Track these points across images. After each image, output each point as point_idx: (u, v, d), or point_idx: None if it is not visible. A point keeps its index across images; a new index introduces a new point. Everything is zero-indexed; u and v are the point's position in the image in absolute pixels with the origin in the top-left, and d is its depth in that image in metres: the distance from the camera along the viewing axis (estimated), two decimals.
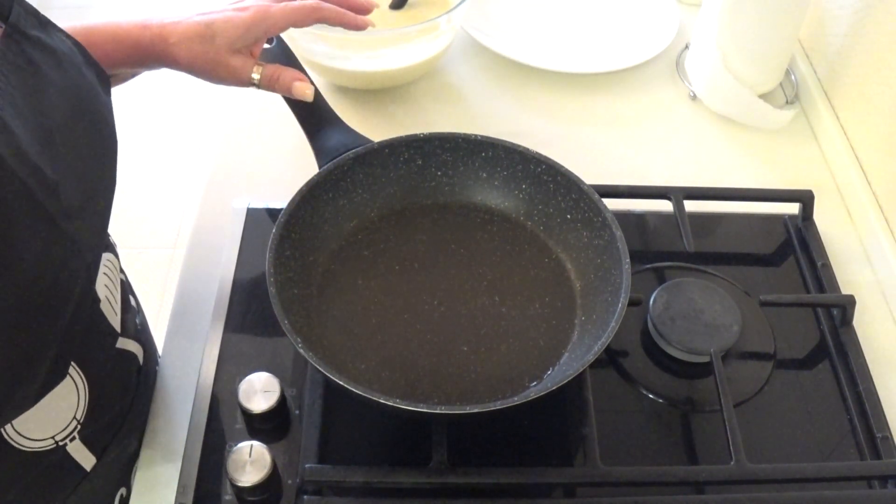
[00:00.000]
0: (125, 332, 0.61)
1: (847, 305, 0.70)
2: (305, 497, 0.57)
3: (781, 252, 0.77)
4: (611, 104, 0.91)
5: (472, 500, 0.58)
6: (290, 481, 0.58)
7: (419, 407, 0.54)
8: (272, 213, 0.76)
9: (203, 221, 0.77)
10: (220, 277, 0.71)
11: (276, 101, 0.72)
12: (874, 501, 0.60)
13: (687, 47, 0.95)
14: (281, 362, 0.65)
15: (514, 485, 0.58)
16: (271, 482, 0.57)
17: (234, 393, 0.61)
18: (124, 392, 0.61)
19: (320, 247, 0.66)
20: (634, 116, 0.90)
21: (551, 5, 1.02)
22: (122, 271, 0.63)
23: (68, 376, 0.52)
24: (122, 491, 0.63)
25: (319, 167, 0.67)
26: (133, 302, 0.66)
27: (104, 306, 0.57)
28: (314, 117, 0.70)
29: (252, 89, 0.66)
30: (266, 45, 0.72)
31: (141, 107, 2.13)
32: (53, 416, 0.52)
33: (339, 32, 0.82)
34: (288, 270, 0.62)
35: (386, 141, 0.69)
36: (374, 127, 0.85)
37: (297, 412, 0.62)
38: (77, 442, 0.55)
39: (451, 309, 0.65)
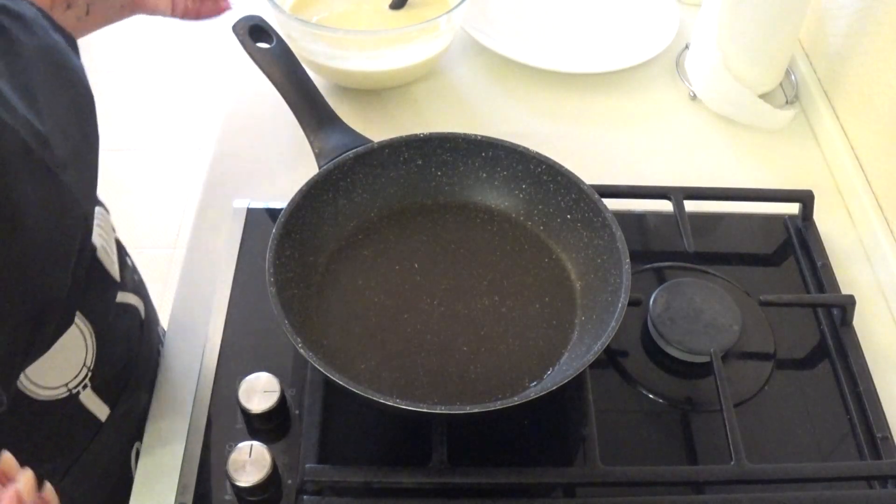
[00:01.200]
0: (124, 287, 0.63)
1: (847, 305, 0.70)
2: (305, 497, 0.57)
3: (781, 252, 0.77)
4: (611, 104, 0.91)
5: (472, 500, 0.58)
6: (290, 481, 0.58)
7: (419, 407, 0.54)
8: (272, 213, 0.76)
9: (203, 221, 0.77)
10: (220, 277, 0.71)
11: (277, 101, 0.72)
12: (874, 501, 0.60)
13: (687, 47, 0.95)
14: (281, 362, 0.65)
15: (514, 485, 0.58)
16: (271, 482, 0.57)
17: (234, 393, 0.61)
18: (129, 343, 0.64)
19: (320, 247, 0.66)
20: (634, 116, 0.90)
21: (551, 5, 1.02)
22: (114, 230, 0.64)
23: (75, 326, 0.54)
24: (138, 445, 0.64)
25: (319, 167, 0.67)
26: (130, 262, 0.68)
27: (101, 254, 0.58)
28: (314, 117, 0.70)
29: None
30: (265, 45, 0.72)
31: (141, 106, 2.13)
32: (64, 365, 0.54)
33: (339, 32, 0.82)
34: (288, 270, 0.62)
35: (386, 141, 0.69)
36: (374, 127, 0.85)
37: (297, 412, 0.62)
38: (89, 391, 0.57)
39: (451, 309, 0.65)
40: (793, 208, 0.79)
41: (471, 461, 0.58)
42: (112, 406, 0.60)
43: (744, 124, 0.89)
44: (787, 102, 0.92)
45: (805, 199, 0.77)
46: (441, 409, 0.55)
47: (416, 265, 0.68)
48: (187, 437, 0.61)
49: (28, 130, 0.43)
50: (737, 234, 0.78)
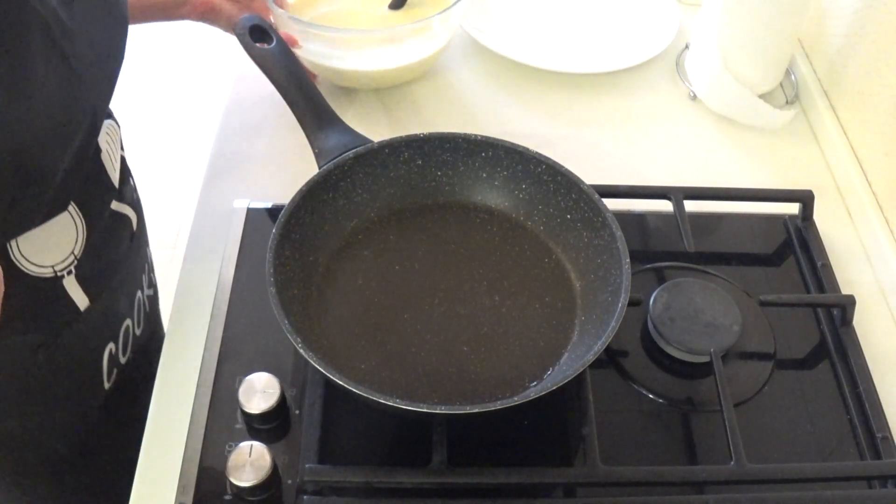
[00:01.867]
0: (122, 198, 0.69)
1: (847, 305, 0.70)
2: (305, 497, 0.57)
3: (781, 252, 0.77)
4: (611, 104, 0.91)
5: (472, 500, 0.58)
6: (290, 481, 0.58)
7: (419, 407, 0.54)
8: (272, 213, 0.76)
9: (203, 221, 0.77)
10: (220, 277, 0.71)
11: (277, 101, 0.72)
12: (874, 501, 0.60)
13: (687, 47, 0.95)
14: (281, 362, 0.65)
15: (514, 485, 0.58)
16: (271, 482, 0.57)
17: (234, 393, 0.61)
18: (117, 248, 0.68)
19: (320, 247, 0.66)
20: (634, 116, 0.90)
21: (551, 5, 1.02)
22: (122, 148, 0.71)
23: (69, 214, 0.59)
24: (112, 346, 0.68)
25: (319, 167, 0.67)
26: (132, 182, 0.74)
27: (104, 158, 0.64)
28: (314, 117, 0.70)
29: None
30: (265, 45, 0.72)
31: (141, 106, 2.13)
32: (54, 246, 0.59)
33: (333, 31, 0.82)
34: (288, 270, 0.62)
35: (386, 141, 0.69)
36: (374, 127, 0.85)
37: (297, 412, 0.62)
38: (72, 278, 0.61)
39: (451, 309, 0.65)
40: (793, 208, 0.79)
41: (471, 461, 0.58)
42: (92, 299, 0.64)
43: (744, 124, 0.89)
44: (787, 102, 0.92)
45: (805, 199, 0.77)
46: (441, 409, 0.55)
47: (416, 265, 0.68)
48: (187, 437, 0.61)
49: (55, 20, 0.49)
50: (737, 234, 0.78)
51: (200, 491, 0.58)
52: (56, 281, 0.60)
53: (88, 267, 0.63)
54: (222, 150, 0.84)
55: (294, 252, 0.63)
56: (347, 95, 0.89)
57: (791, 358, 0.69)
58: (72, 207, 0.60)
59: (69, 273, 0.61)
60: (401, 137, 0.69)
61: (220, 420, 0.62)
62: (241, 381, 0.61)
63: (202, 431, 0.61)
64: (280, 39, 0.73)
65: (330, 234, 0.67)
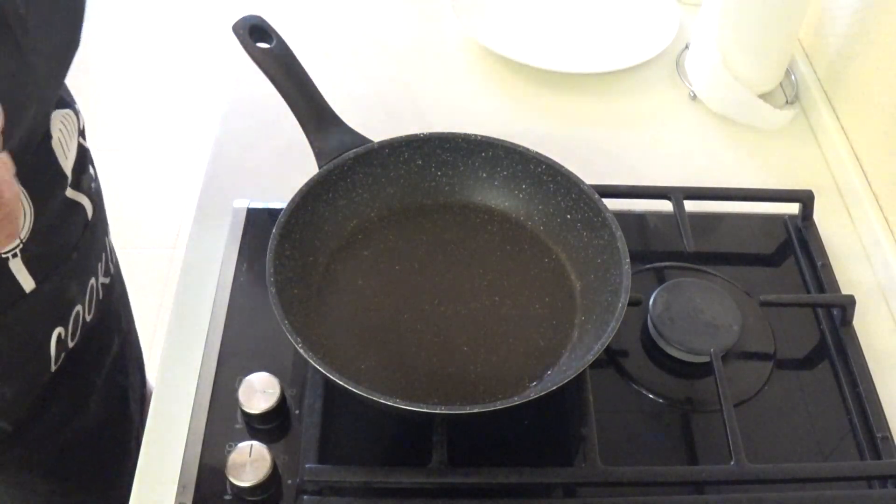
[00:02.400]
0: (77, 186, 0.68)
1: (847, 305, 0.70)
2: (305, 497, 0.57)
3: (781, 252, 0.77)
4: (611, 104, 0.91)
5: (472, 500, 0.58)
6: (290, 481, 0.58)
7: (419, 407, 0.54)
8: (272, 213, 0.75)
9: (203, 221, 0.77)
10: (220, 277, 0.71)
11: (277, 101, 0.72)
12: (874, 501, 0.61)
13: (687, 47, 0.95)
14: (281, 362, 0.65)
15: (514, 485, 0.58)
16: (271, 482, 0.57)
17: (234, 393, 0.61)
18: (69, 234, 0.67)
19: (320, 247, 0.66)
20: (634, 116, 0.90)
21: (551, 5, 1.02)
22: (83, 137, 0.70)
23: None
24: (60, 331, 0.68)
25: (319, 167, 0.67)
26: (92, 171, 0.73)
27: (55, 145, 0.63)
28: (314, 117, 0.70)
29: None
30: (265, 45, 0.72)
31: (140, 106, 2.13)
32: None
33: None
34: (288, 270, 0.62)
35: (386, 141, 0.69)
36: (374, 127, 0.85)
37: (297, 412, 0.62)
38: (18, 260, 0.61)
39: (451, 309, 0.65)
40: (793, 208, 0.79)
41: (471, 461, 0.58)
42: (38, 282, 0.63)
43: (744, 124, 0.89)
44: (787, 102, 0.92)
45: (805, 199, 0.77)
46: (441, 410, 0.55)
47: (416, 265, 0.68)
48: (187, 437, 0.61)
49: (13, 12, 0.50)
50: (737, 234, 0.78)
51: (200, 491, 0.58)
52: (1, 262, 0.60)
53: (36, 250, 0.62)
54: (222, 150, 0.84)
55: (294, 252, 0.63)
56: (346, 95, 0.89)
57: (791, 358, 0.69)
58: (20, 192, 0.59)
59: (14, 256, 0.61)
60: (401, 137, 0.69)
61: (220, 420, 0.62)
62: (241, 381, 0.61)
63: (202, 431, 0.61)
64: (280, 39, 0.73)
65: (330, 234, 0.67)
